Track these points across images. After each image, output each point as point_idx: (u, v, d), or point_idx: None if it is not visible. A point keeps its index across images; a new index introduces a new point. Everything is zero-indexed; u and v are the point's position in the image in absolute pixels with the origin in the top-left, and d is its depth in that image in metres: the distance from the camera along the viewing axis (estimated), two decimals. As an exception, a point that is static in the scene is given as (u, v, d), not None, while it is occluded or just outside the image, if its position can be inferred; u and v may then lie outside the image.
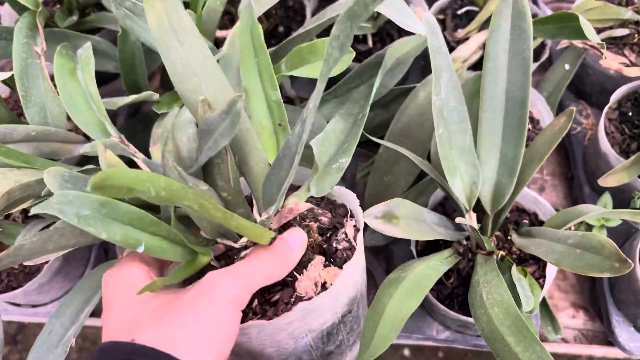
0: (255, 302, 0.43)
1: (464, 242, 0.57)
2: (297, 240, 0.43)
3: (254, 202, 0.46)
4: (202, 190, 0.42)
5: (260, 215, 0.45)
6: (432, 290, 0.58)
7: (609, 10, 0.69)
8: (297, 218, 0.46)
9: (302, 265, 0.44)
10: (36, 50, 0.63)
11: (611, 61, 0.66)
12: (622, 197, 0.66)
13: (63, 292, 0.70)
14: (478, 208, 0.55)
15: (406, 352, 1.09)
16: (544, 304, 0.66)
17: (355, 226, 0.46)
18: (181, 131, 0.56)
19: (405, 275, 0.48)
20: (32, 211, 0.38)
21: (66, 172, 0.49)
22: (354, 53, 0.54)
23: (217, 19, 0.67)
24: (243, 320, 0.40)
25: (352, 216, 0.47)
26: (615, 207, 0.68)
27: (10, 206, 0.49)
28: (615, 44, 0.72)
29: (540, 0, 0.87)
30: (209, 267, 0.43)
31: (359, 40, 0.73)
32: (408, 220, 0.52)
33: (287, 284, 0.43)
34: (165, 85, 0.74)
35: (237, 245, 0.45)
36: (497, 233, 0.59)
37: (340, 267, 0.43)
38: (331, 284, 0.42)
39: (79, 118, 0.57)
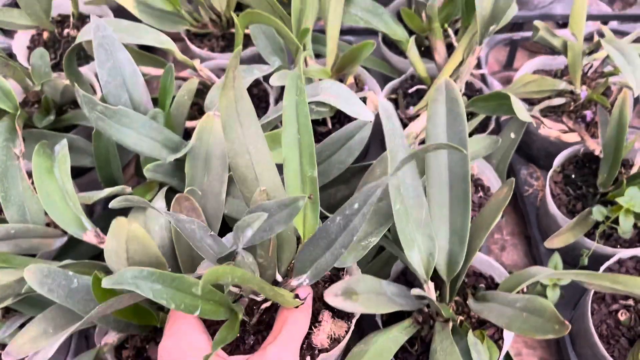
0: None
1: (425, 310, 0.60)
2: (310, 294, 0.51)
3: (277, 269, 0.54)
4: (251, 261, 0.50)
5: (281, 275, 0.54)
6: (398, 358, 0.61)
7: (545, 82, 0.76)
8: None
9: (314, 316, 0.52)
10: (15, 152, 0.67)
11: (550, 129, 0.72)
12: (573, 255, 0.71)
13: (43, 382, 0.71)
14: (435, 276, 0.59)
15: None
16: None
17: None
18: (153, 221, 0.60)
19: (367, 349, 0.51)
20: (104, 285, 0.42)
21: (45, 268, 0.52)
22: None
23: (186, 112, 0.72)
24: None
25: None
26: (567, 263, 0.72)
27: (-10, 306, 0.52)
28: (554, 112, 0.78)
29: (488, 73, 0.94)
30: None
31: (318, 122, 0.79)
32: (368, 294, 0.55)
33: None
34: (139, 173, 0.79)
35: (259, 299, 0.52)
36: (456, 298, 0.62)
37: (344, 320, 0.52)
38: (341, 337, 0.51)
39: (56, 214, 0.61)
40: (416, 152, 0.50)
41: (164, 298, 0.42)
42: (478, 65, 0.95)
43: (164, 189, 0.65)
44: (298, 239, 0.55)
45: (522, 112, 0.59)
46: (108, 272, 0.54)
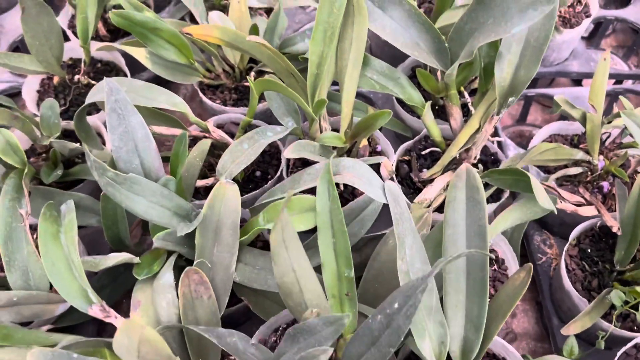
0: None
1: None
2: None
3: None
4: None
5: None
6: None
7: (562, 151, 0.75)
8: None
9: None
10: (21, 213, 0.65)
11: (567, 203, 0.71)
12: (588, 332, 0.69)
13: None
14: (449, 361, 0.58)
15: None
16: None
17: None
18: (160, 295, 0.58)
19: None
20: None
21: (49, 353, 0.50)
22: None
23: (197, 173, 0.71)
24: None
25: None
26: (583, 340, 0.70)
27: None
28: (571, 182, 0.77)
29: (500, 128, 0.93)
30: None
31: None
32: None
33: None
34: (146, 230, 0.77)
35: None
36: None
37: None
38: None
39: (61, 285, 0.59)
40: (439, 263, 0.49)
41: None
42: (495, 132, 0.94)
43: (173, 258, 0.64)
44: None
45: (543, 199, 0.58)
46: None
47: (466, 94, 0.80)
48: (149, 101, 0.67)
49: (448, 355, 0.57)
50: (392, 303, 0.49)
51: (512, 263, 0.71)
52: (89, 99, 0.67)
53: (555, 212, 0.60)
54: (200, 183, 0.74)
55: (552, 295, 0.77)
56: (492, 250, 0.73)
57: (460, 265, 0.57)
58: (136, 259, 0.62)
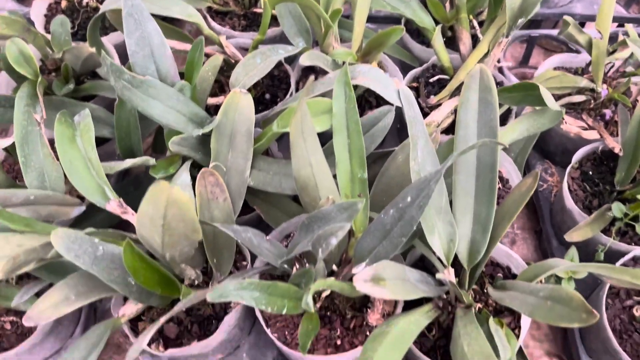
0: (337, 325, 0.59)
1: (444, 296, 0.60)
2: None
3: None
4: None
5: (335, 266, 0.58)
6: (416, 342, 0.61)
7: (567, 79, 0.76)
8: None
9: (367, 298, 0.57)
10: (36, 118, 0.66)
11: (570, 125, 0.73)
12: (587, 250, 0.71)
13: (53, 351, 0.70)
14: (455, 264, 0.59)
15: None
16: (520, 353, 0.69)
17: None
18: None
19: (388, 330, 0.51)
20: (210, 299, 0.45)
21: (73, 234, 0.52)
22: None
23: (209, 88, 0.71)
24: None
25: None
26: (581, 259, 0.72)
27: (15, 270, 0.52)
28: (574, 109, 0.79)
29: (505, 68, 0.95)
30: None
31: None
32: (394, 281, 0.55)
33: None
34: (156, 148, 0.78)
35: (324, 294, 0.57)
36: (474, 287, 0.62)
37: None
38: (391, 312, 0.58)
39: (79, 183, 0.60)
40: (451, 158, 0.51)
41: (263, 304, 0.47)
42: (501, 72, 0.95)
43: (188, 162, 0.64)
44: (350, 233, 0.58)
45: (551, 101, 0.60)
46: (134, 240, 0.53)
47: (475, 24, 0.81)
48: (164, 10, 0.67)
49: (455, 256, 0.59)
50: (405, 197, 0.51)
51: (516, 182, 0.73)
52: (104, 7, 0.68)
53: (561, 110, 0.61)
54: (212, 101, 0.75)
55: (553, 219, 0.79)
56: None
57: (470, 167, 0.59)
58: (152, 161, 0.63)
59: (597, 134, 0.74)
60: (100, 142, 0.81)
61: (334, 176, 0.58)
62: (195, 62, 0.65)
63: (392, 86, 0.60)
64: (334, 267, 0.56)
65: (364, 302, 0.59)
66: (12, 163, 0.79)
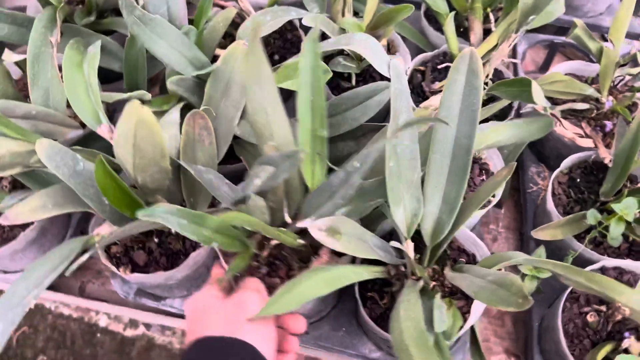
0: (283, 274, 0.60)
1: (402, 269, 0.62)
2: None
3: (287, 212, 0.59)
4: (261, 204, 0.55)
5: (290, 217, 0.58)
6: (366, 308, 0.63)
7: (573, 85, 0.76)
8: None
9: (315, 248, 0.59)
10: (50, 40, 0.70)
11: (565, 130, 0.73)
12: (560, 255, 0.71)
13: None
14: (420, 240, 0.61)
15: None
16: (474, 343, 0.70)
17: None
18: (165, 129, 0.63)
19: (329, 269, 0.54)
20: (139, 216, 0.48)
21: (56, 145, 0.55)
22: (331, 73, 0.61)
23: (218, 38, 0.74)
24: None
25: None
26: (553, 263, 0.73)
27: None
28: (575, 116, 0.78)
29: (521, 68, 0.94)
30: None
31: (344, 77, 0.80)
32: (350, 237, 0.57)
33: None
34: (163, 91, 0.81)
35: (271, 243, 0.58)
36: (435, 266, 0.64)
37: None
38: None
39: (77, 105, 0.64)
40: (420, 119, 0.52)
41: (189, 231, 0.49)
42: (514, 57, 0.95)
43: (182, 103, 0.67)
44: (307, 189, 0.59)
45: (539, 97, 0.60)
46: (112, 164, 0.56)
47: (492, 18, 0.81)
48: (185, -43, 0.70)
49: (419, 232, 0.60)
50: (353, 162, 0.53)
51: (497, 162, 0.73)
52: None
53: (547, 106, 0.61)
54: (219, 52, 0.77)
55: (535, 222, 0.79)
56: (484, 163, 0.75)
57: (447, 148, 0.60)
58: (148, 95, 0.66)
59: (592, 143, 0.74)
60: (112, 78, 0.86)
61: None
62: (205, 9, 0.68)
63: (384, 57, 0.62)
64: (289, 220, 0.58)
65: (310, 256, 0.61)
66: (26, 82, 0.83)
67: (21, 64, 0.70)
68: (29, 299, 0.60)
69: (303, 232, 0.57)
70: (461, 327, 0.59)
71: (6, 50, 0.67)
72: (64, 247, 0.61)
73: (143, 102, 0.67)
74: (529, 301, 0.47)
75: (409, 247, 0.59)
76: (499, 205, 0.84)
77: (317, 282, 0.51)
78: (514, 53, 0.97)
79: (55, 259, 0.62)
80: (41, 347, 1.79)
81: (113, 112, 0.87)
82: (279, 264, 0.62)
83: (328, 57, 0.80)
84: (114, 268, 0.64)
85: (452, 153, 0.60)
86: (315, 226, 0.55)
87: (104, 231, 0.62)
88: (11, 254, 0.70)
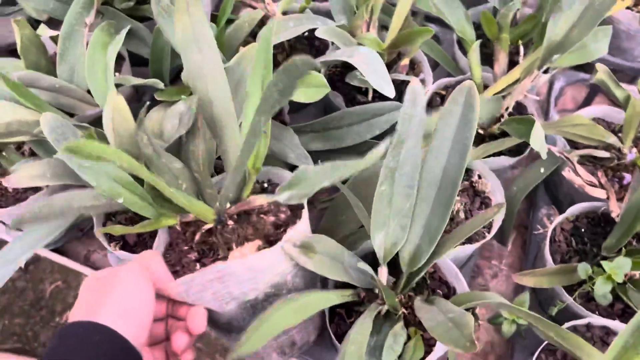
0: (208, 262, 0.55)
1: (375, 291, 0.61)
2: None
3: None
4: (176, 167, 0.54)
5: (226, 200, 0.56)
6: (333, 324, 0.63)
7: (596, 130, 0.73)
8: (257, 210, 0.57)
9: (243, 240, 0.55)
10: (85, 21, 0.74)
11: (575, 176, 0.70)
12: (550, 305, 0.69)
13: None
14: (397, 266, 0.60)
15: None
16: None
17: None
18: (168, 119, 0.65)
19: (298, 298, 0.54)
20: (58, 154, 0.45)
21: (60, 119, 0.58)
22: (329, 89, 0.61)
23: (242, 37, 0.76)
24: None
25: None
26: (545, 312, 0.70)
27: (7, 135, 0.59)
28: (593, 164, 0.75)
29: (553, 105, 0.91)
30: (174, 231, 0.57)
31: (361, 92, 0.80)
32: (324, 257, 0.57)
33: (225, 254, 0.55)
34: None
35: (189, 219, 0.55)
36: (410, 294, 0.63)
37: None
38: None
39: (93, 83, 0.67)
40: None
41: (88, 175, 0.47)
42: (549, 93, 0.92)
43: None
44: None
45: (538, 140, 0.58)
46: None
47: (522, 51, 0.79)
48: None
49: (396, 256, 0.60)
50: None
51: (499, 198, 0.72)
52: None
53: (544, 155, 0.59)
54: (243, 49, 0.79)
55: (534, 263, 0.77)
56: (487, 197, 0.74)
57: (435, 177, 0.59)
58: (161, 84, 0.68)
59: (605, 194, 0.71)
60: (142, 63, 0.89)
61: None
62: (226, 8, 0.70)
63: (384, 76, 0.61)
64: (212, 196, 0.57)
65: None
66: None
67: (56, 40, 0.75)
68: (22, 259, 0.64)
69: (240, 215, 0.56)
70: (421, 360, 0.58)
71: (42, 25, 0.72)
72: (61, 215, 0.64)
73: (156, 90, 0.70)
74: (474, 347, 0.46)
75: (382, 274, 0.59)
76: (503, 242, 0.81)
77: (286, 313, 0.51)
78: (549, 89, 0.94)
79: (51, 225, 0.66)
80: (71, 302, 1.88)
81: (142, 94, 0.91)
82: (210, 252, 0.59)
83: (346, 68, 0.80)
84: (105, 242, 0.67)
85: (439, 183, 0.59)
86: (289, 242, 0.55)
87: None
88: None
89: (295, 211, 0.59)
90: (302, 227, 0.56)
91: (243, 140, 0.49)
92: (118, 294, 0.45)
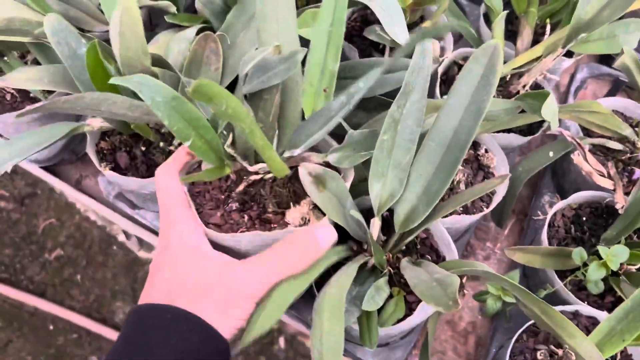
0: (254, 215, 0.54)
1: (365, 246, 0.60)
2: (325, 239, 0.49)
3: (276, 141, 0.55)
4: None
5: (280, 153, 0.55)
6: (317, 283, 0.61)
7: (612, 121, 0.71)
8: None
9: (297, 197, 0.54)
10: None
11: (584, 162, 0.68)
12: (539, 290, 0.67)
13: (36, 140, 0.78)
14: (390, 226, 0.59)
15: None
16: (425, 345, 0.68)
17: None
18: (175, 42, 0.63)
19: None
20: (112, 81, 0.43)
21: (65, 23, 0.56)
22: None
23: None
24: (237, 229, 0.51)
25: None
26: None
27: (8, 32, 0.58)
28: (604, 154, 0.73)
29: (572, 100, 0.89)
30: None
31: (377, 49, 0.78)
32: (331, 195, 0.55)
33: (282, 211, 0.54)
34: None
35: (251, 169, 0.54)
36: (398, 255, 0.61)
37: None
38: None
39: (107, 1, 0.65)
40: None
41: (161, 111, 0.43)
42: (571, 81, 0.90)
43: (204, 26, 0.67)
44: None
45: (549, 111, 0.56)
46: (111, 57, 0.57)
47: (548, 29, 0.76)
48: None
49: (391, 214, 0.58)
50: (357, 84, 0.52)
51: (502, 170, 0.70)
52: None
53: (555, 125, 0.57)
54: None
55: (529, 249, 0.75)
56: (491, 172, 0.72)
57: (444, 138, 0.56)
58: (173, 8, 0.66)
59: (612, 185, 0.69)
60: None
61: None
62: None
63: (400, 23, 0.58)
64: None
65: (288, 205, 0.58)
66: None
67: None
68: (8, 165, 0.62)
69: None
70: (399, 321, 0.57)
71: None
72: (53, 127, 0.63)
73: (167, 13, 0.68)
74: (457, 305, 0.45)
75: (374, 226, 0.57)
76: (500, 224, 0.79)
77: (289, 283, 0.49)
78: (571, 79, 0.92)
79: (42, 136, 0.64)
80: (62, 241, 1.88)
81: (155, 26, 0.89)
82: (252, 204, 0.58)
83: (365, 23, 0.78)
84: (96, 161, 0.65)
85: (448, 145, 0.57)
86: (306, 170, 0.53)
87: (94, 123, 0.64)
88: (16, 125, 0.73)
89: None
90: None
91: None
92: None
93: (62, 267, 1.70)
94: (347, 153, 0.55)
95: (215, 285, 0.45)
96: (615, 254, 0.57)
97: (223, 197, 0.58)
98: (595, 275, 0.57)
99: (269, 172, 0.55)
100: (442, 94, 0.77)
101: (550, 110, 0.56)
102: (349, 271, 0.51)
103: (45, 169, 0.85)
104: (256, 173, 0.55)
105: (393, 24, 0.58)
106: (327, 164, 0.56)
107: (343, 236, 0.62)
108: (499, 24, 0.72)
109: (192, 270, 0.46)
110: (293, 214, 0.55)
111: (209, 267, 0.46)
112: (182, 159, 0.53)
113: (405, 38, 0.58)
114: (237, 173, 0.57)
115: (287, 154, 0.53)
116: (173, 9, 0.66)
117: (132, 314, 0.44)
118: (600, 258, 0.65)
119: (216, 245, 0.51)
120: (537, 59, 0.71)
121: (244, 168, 0.55)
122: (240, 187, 0.56)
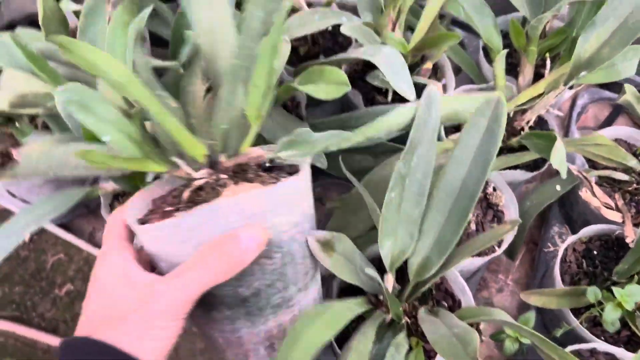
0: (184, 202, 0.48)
1: (381, 298, 0.60)
2: (249, 245, 0.44)
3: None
4: (173, 107, 0.50)
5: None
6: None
7: (617, 152, 0.71)
8: (255, 168, 0.52)
9: (238, 178, 0.49)
10: (108, -3, 0.73)
11: (592, 197, 0.68)
12: (555, 325, 0.68)
13: (48, 199, 0.79)
14: (404, 273, 0.59)
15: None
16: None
17: None
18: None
19: (324, 310, 0.52)
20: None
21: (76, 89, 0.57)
22: (350, 87, 0.59)
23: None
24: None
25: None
26: (546, 333, 0.69)
27: (20, 105, 0.59)
28: (611, 186, 0.74)
29: (574, 125, 0.90)
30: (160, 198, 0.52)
31: (381, 92, 0.79)
32: (341, 257, 0.56)
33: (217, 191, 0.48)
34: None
35: (195, 175, 0.49)
36: (415, 303, 0.62)
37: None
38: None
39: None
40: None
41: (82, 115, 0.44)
42: (572, 109, 0.91)
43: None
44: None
45: (558, 158, 0.57)
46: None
47: (548, 64, 0.77)
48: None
49: (405, 262, 0.59)
50: None
51: (513, 216, 0.70)
52: None
53: (564, 175, 0.58)
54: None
55: (542, 281, 0.76)
56: (500, 211, 0.72)
57: (453, 188, 0.57)
58: (181, 70, 0.67)
59: (620, 218, 0.69)
60: (163, 44, 0.88)
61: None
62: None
63: (406, 78, 0.59)
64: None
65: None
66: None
67: (78, 14, 0.74)
68: (25, 233, 0.63)
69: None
70: (421, 372, 0.58)
71: (64, -1, 0.71)
72: (68, 192, 0.64)
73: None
74: (478, 363, 0.45)
75: (388, 282, 0.58)
76: (511, 256, 0.80)
77: (320, 328, 0.48)
78: (572, 105, 0.92)
79: (57, 201, 0.65)
80: (71, 276, 1.89)
81: (160, 76, 0.90)
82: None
83: (369, 67, 0.79)
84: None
85: (457, 195, 0.58)
86: (314, 237, 0.54)
87: (107, 187, 0.65)
88: (29, 187, 0.75)
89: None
90: (302, 184, 0.51)
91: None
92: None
93: (72, 301, 1.70)
94: (298, 150, 0.52)
95: (134, 310, 0.43)
96: (630, 294, 0.57)
97: (171, 208, 0.50)
98: (611, 316, 0.58)
99: (213, 174, 0.50)
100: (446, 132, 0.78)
101: (559, 157, 0.57)
102: (368, 334, 0.51)
103: (59, 225, 0.86)
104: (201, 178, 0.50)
105: (399, 80, 0.59)
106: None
107: (359, 290, 0.63)
108: (500, 62, 0.73)
109: (117, 298, 0.45)
110: (227, 193, 0.47)
111: (130, 293, 0.45)
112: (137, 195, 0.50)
113: (413, 93, 0.59)
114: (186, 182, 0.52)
115: (222, 157, 0.50)
116: (182, 71, 0.67)
117: (58, 347, 0.43)
118: (611, 293, 0.65)
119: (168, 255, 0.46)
120: (540, 95, 0.72)
121: (188, 174, 0.50)
122: (185, 195, 0.49)
